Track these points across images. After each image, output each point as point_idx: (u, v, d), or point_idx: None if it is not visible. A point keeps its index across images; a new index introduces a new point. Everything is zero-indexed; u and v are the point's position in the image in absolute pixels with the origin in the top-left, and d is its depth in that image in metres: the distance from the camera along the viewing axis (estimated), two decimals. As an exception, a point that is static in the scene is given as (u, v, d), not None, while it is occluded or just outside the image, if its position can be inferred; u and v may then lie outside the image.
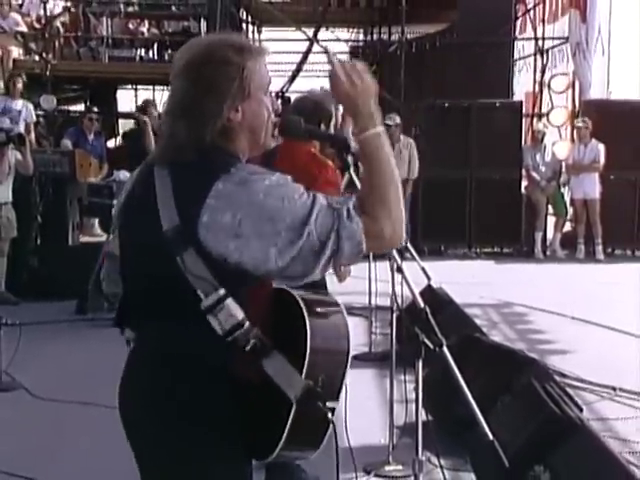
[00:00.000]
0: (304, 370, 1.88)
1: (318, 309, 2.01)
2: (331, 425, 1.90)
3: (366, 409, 4.90)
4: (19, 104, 10.53)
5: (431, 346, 2.20)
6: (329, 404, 1.87)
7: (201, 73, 1.90)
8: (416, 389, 2.33)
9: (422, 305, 2.24)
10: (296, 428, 1.88)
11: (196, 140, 1.88)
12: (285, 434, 1.89)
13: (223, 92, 1.89)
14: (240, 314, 1.83)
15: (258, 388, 1.93)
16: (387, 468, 4.18)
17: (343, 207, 1.81)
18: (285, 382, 1.86)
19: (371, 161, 1.88)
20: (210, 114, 1.88)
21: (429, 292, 5.65)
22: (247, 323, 1.85)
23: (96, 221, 10.86)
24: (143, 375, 1.97)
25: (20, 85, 10.53)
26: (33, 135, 10.96)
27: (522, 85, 14.95)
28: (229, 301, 1.82)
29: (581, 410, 4.22)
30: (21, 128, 9.98)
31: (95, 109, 12.02)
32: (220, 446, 1.93)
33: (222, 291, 1.82)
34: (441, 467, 3.50)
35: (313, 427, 1.92)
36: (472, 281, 9.39)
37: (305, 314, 1.94)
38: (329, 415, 1.89)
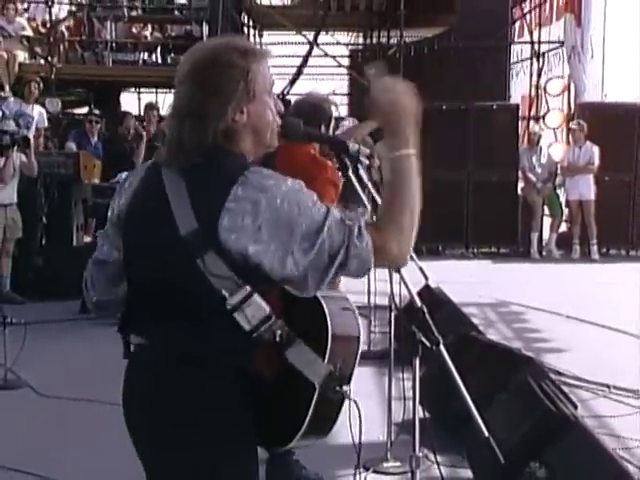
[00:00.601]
0: (326, 357, 1.94)
1: (329, 298, 2.04)
2: (351, 404, 2.00)
3: (365, 406, 4.97)
4: (33, 109, 10.66)
5: (428, 344, 2.21)
6: (345, 388, 1.95)
7: (206, 76, 1.92)
8: (413, 387, 2.34)
9: (419, 304, 2.25)
10: (317, 414, 1.95)
11: (200, 142, 1.90)
12: (307, 420, 1.95)
13: (228, 94, 1.91)
14: (267, 308, 1.86)
15: (271, 383, 1.97)
16: (385, 464, 4.22)
17: (355, 224, 1.82)
18: (309, 369, 1.91)
19: (394, 180, 1.90)
20: (215, 116, 1.90)
21: (427, 291, 5.58)
22: (273, 316, 1.87)
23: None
24: (153, 378, 1.94)
25: (36, 91, 10.67)
26: (42, 139, 11.06)
27: (519, 88, 15.02)
28: (256, 297, 1.84)
29: (576, 407, 4.27)
30: (32, 133, 10.05)
31: (96, 112, 12.14)
32: (230, 445, 1.93)
33: (248, 288, 1.84)
34: (438, 463, 3.44)
35: (330, 412, 2.00)
36: (469, 281, 9.44)
37: (322, 302, 2.00)
38: (348, 395, 1.97)
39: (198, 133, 1.90)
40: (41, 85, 10.93)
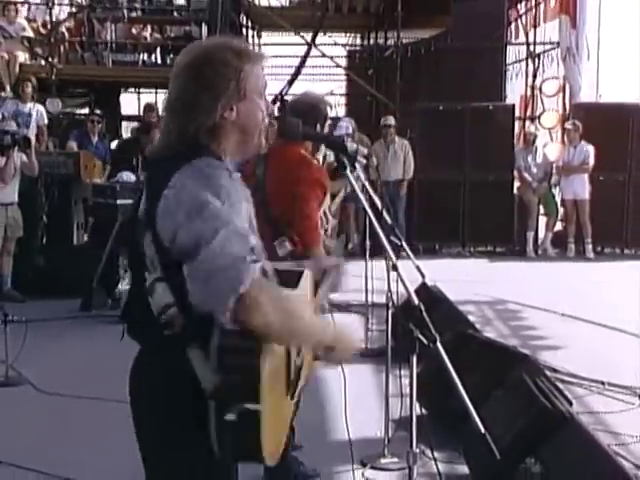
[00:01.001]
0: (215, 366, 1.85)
1: None
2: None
3: (363, 403, 4.95)
4: (29, 107, 10.71)
5: (425, 342, 2.22)
6: (247, 405, 1.78)
7: (200, 72, 1.98)
8: (410, 384, 2.31)
9: (416, 302, 2.25)
10: (225, 430, 1.81)
11: (185, 134, 1.96)
12: (214, 435, 1.83)
13: (219, 91, 1.97)
14: (169, 298, 1.86)
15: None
16: (383, 461, 4.23)
17: (252, 258, 1.79)
18: (201, 376, 1.85)
19: (295, 337, 1.95)
20: (205, 110, 1.96)
21: (424, 290, 5.68)
22: (175, 308, 1.87)
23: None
24: (139, 368, 2.02)
25: (30, 89, 10.69)
26: (46, 137, 11.09)
27: (515, 89, 15.07)
28: (162, 284, 1.86)
29: (571, 404, 4.25)
30: (32, 131, 10.09)
31: (98, 112, 12.20)
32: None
33: (158, 273, 1.87)
34: (435, 459, 3.45)
35: (242, 432, 1.81)
36: (466, 279, 9.46)
37: None
38: (247, 412, 1.79)
39: (186, 125, 1.96)
40: (34, 82, 10.95)
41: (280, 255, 3.40)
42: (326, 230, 4.37)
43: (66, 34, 13.66)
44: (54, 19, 13.22)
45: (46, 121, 11.02)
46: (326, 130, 4.10)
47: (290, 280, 2.16)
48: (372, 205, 3.06)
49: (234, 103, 1.99)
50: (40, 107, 10.90)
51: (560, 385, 4.61)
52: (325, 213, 4.17)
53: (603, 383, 5.48)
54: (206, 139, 1.98)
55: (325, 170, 3.96)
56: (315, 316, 1.97)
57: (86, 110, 15.49)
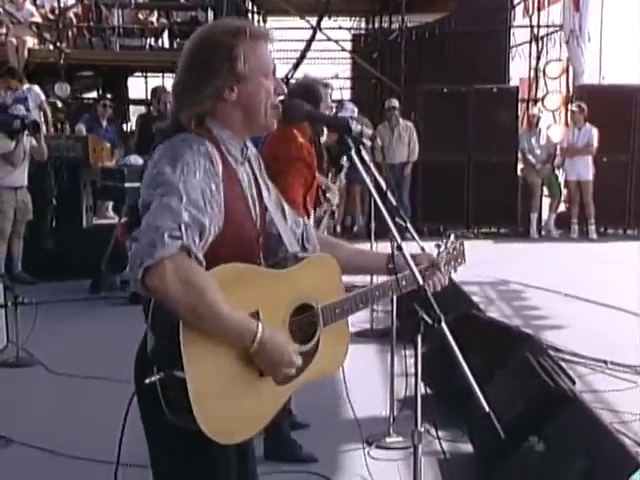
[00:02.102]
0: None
1: None
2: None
3: (368, 383, 5.05)
4: (23, 90, 10.33)
5: (430, 322, 2.17)
6: (175, 372, 1.81)
7: (195, 55, 2.00)
8: (415, 363, 2.28)
9: (421, 282, 2.20)
10: (164, 392, 1.86)
11: (184, 115, 2.00)
12: (162, 398, 1.87)
13: (213, 72, 1.97)
14: None
15: None
16: (388, 440, 4.26)
17: (174, 234, 1.78)
18: (147, 336, 1.92)
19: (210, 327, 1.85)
20: (200, 92, 1.97)
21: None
22: None
23: (110, 204, 11.04)
24: (141, 345, 2.03)
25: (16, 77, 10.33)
26: (50, 114, 10.91)
27: (517, 71, 15.03)
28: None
29: (574, 383, 4.36)
30: (34, 113, 9.96)
31: (109, 96, 12.27)
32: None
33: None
34: (439, 438, 3.55)
35: (169, 392, 1.85)
36: (470, 260, 9.53)
37: None
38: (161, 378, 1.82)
39: (185, 107, 2.00)
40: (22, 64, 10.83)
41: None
42: (325, 211, 4.47)
43: (74, 19, 13.67)
44: (62, 5, 13.26)
45: (43, 97, 10.75)
46: (327, 112, 4.10)
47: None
48: (377, 187, 3.12)
49: (233, 84, 1.99)
50: (34, 86, 10.60)
51: (563, 364, 4.72)
52: (320, 191, 4.26)
53: (606, 362, 5.52)
54: (207, 119, 2.00)
55: (312, 150, 3.98)
56: (237, 312, 1.86)
57: (94, 94, 15.57)
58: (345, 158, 2.23)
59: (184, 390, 1.79)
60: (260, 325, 1.89)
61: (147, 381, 1.82)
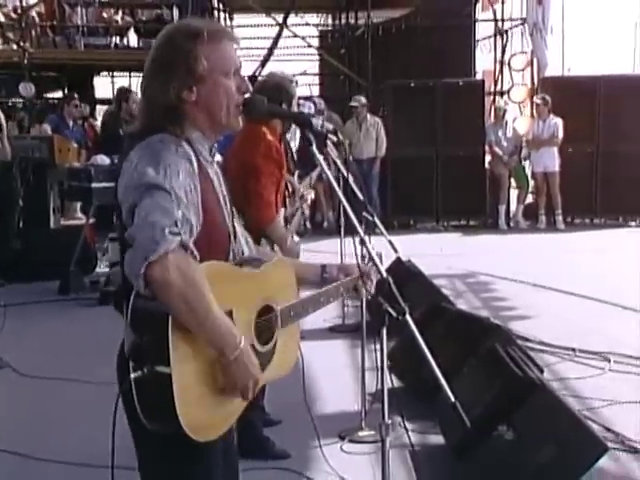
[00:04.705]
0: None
1: None
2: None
3: (340, 378, 5.12)
4: None
5: (394, 314, 2.20)
6: (158, 367, 1.80)
7: (156, 56, 2.04)
8: (382, 357, 2.34)
9: (385, 275, 2.21)
10: (140, 391, 1.84)
11: (148, 116, 2.03)
12: (135, 397, 1.85)
13: (170, 73, 1.99)
14: (117, 257, 2.01)
15: None
16: (360, 433, 4.26)
17: (172, 230, 1.80)
18: (125, 332, 1.91)
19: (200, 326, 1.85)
20: (159, 93, 2.00)
21: (398, 265, 5.79)
22: (119, 268, 1.95)
23: (78, 204, 10.89)
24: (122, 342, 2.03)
25: None
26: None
27: (481, 64, 15.16)
28: (115, 243, 2.08)
29: (542, 371, 4.38)
30: None
31: (76, 95, 12.14)
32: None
33: (117, 234, 2.04)
34: (406, 430, 3.62)
35: (156, 394, 1.83)
36: (440, 253, 9.57)
37: None
38: (153, 372, 1.81)
39: (149, 106, 2.04)
40: None
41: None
42: (298, 208, 4.47)
43: (37, 18, 13.57)
44: (24, 4, 13.14)
45: None
46: (294, 109, 4.12)
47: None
48: (345, 182, 3.12)
49: (191, 84, 2.01)
50: None
51: (531, 354, 4.75)
52: (288, 188, 4.26)
53: (574, 350, 5.57)
54: (168, 119, 2.01)
55: (280, 148, 3.97)
56: (222, 316, 1.86)
57: (59, 94, 15.41)
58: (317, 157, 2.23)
59: (167, 386, 1.78)
60: (242, 338, 1.90)
61: (132, 376, 1.81)
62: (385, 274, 2.24)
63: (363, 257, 2.35)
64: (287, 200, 4.29)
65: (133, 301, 1.86)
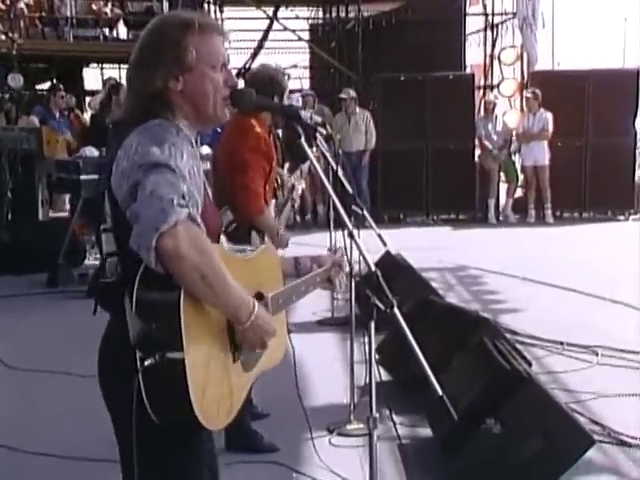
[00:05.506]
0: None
1: None
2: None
3: (329, 371, 5.12)
4: None
5: (383, 308, 2.19)
6: (169, 354, 1.77)
7: (144, 45, 2.04)
8: (370, 350, 2.32)
9: (373, 268, 2.21)
10: (150, 381, 1.80)
11: (137, 103, 2.03)
12: (142, 388, 1.81)
13: (157, 62, 1.99)
14: (112, 248, 1.97)
15: None
16: (349, 427, 4.25)
17: (180, 202, 1.78)
18: (130, 324, 1.86)
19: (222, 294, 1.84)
20: (146, 80, 2.00)
21: (388, 258, 5.82)
22: (115, 258, 1.96)
23: (67, 197, 10.84)
24: (104, 337, 2.03)
25: None
26: None
27: (472, 58, 15.18)
28: (109, 234, 1.97)
29: (530, 365, 4.39)
30: None
31: (61, 86, 12.10)
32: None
33: (109, 224, 1.96)
34: (394, 423, 3.59)
35: (168, 384, 1.80)
36: (430, 246, 9.59)
37: None
38: (171, 360, 1.77)
39: (137, 94, 2.03)
40: None
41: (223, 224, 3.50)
42: (288, 199, 4.47)
43: (25, 10, 13.49)
44: (13, -5, 13.10)
45: None
46: (285, 102, 4.10)
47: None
48: (334, 175, 3.12)
49: (178, 74, 2.01)
50: None
51: (520, 347, 4.80)
52: (279, 180, 4.26)
53: (562, 343, 5.59)
54: (158, 106, 2.01)
55: (269, 140, 3.97)
56: (235, 284, 1.85)
57: (48, 85, 15.34)
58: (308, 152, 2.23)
59: (179, 373, 1.75)
60: (255, 301, 1.92)
61: (145, 363, 1.78)
62: (373, 267, 2.24)
63: (351, 250, 2.35)
64: (277, 192, 4.29)
65: (138, 288, 1.82)
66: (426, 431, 4.06)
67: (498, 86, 13.57)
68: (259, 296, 2.10)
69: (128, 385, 1.82)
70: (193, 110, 2.05)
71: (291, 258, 2.45)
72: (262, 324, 1.94)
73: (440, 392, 2.21)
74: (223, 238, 2.26)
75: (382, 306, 2.21)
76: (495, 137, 12.25)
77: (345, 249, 2.37)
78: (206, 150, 7.80)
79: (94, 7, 14.24)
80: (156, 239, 1.73)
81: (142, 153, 1.86)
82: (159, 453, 1.96)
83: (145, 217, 1.76)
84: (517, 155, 12.72)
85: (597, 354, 5.37)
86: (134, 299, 1.83)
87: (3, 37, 12.75)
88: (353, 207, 3.81)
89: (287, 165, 4.82)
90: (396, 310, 2.20)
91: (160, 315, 1.82)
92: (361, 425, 4.16)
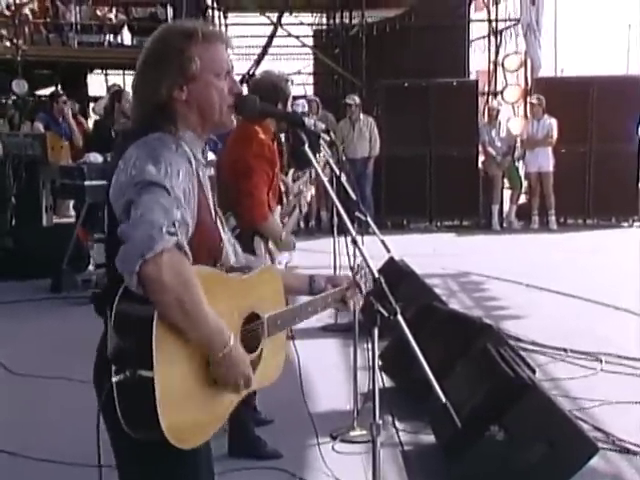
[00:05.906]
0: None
1: None
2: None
3: (332, 377, 5.13)
4: None
5: (386, 314, 2.20)
6: (140, 371, 1.77)
7: (149, 54, 2.05)
8: (373, 357, 2.33)
9: (376, 275, 2.22)
10: (122, 396, 1.81)
11: (141, 113, 2.05)
12: (116, 401, 1.82)
13: (162, 72, 2.00)
14: (102, 259, 2.02)
15: None
16: (352, 433, 4.26)
17: (169, 230, 1.78)
18: (108, 336, 1.87)
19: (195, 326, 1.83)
20: (151, 90, 2.02)
21: (391, 264, 5.77)
22: (104, 269, 1.98)
23: (71, 203, 10.78)
24: (99, 344, 2.02)
25: None
26: None
27: (475, 64, 15.20)
28: (100, 245, 2.08)
29: (534, 372, 4.40)
30: None
31: (62, 93, 12.08)
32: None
33: (103, 235, 1.97)
34: (397, 430, 3.66)
35: (131, 393, 1.80)
36: (433, 253, 9.59)
37: None
38: (134, 377, 1.77)
39: (142, 104, 2.05)
40: None
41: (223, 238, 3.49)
42: (295, 205, 4.46)
43: (30, 16, 13.54)
44: (17, 1, 13.13)
45: None
46: (289, 108, 4.13)
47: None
48: (338, 182, 3.12)
49: (183, 83, 2.02)
50: None
51: (523, 354, 4.79)
52: (282, 187, 4.26)
53: (565, 350, 5.58)
54: (161, 117, 2.02)
55: (273, 146, 3.98)
56: (213, 315, 1.85)
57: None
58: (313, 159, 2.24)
59: (149, 391, 1.76)
60: (232, 335, 1.89)
61: (114, 380, 1.79)
62: (377, 274, 2.24)
63: (355, 256, 2.34)
64: (283, 198, 4.30)
65: (118, 303, 1.83)
66: (429, 438, 4.05)
67: (502, 92, 13.58)
68: (254, 317, 2.09)
69: (108, 398, 1.82)
70: (199, 119, 2.06)
71: (306, 276, 2.42)
72: (236, 362, 1.91)
73: (444, 399, 2.21)
74: (238, 247, 2.28)
75: (386, 313, 2.21)
76: (499, 143, 12.24)
77: (348, 255, 2.35)
78: (210, 156, 7.80)
79: (98, 13, 14.31)
80: (140, 265, 1.73)
81: (139, 170, 1.86)
82: (147, 462, 1.96)
83: (133, 240, 1.76)
84: (521, 161, 12.71)
85: (601, 361, 5.38)
86: (113, 313, 1.84)
87: (8, 43, 12.83)
88: (357, 213, 3.84)
89: (291, 171, 4.82)
90: (400, 317, 2.19)
91: (134, 332, 1.82)
92: (364, 432, 4.17)
